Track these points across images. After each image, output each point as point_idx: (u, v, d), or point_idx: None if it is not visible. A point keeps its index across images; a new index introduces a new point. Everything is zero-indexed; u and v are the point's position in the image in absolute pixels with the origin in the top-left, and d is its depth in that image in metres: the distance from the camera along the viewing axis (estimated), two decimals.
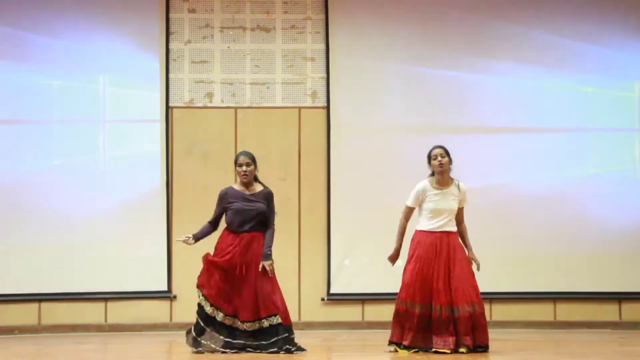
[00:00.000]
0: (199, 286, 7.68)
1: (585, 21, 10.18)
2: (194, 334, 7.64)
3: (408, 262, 7.74)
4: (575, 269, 9.98)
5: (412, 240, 7.78)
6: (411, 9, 10.14)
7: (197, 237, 7.81)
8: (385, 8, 10.11)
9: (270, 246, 7.73)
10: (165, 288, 9.90)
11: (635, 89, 10.22)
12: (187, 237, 7.78)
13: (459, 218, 7.80)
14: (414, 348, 7.63)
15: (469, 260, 7.75)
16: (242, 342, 7.60)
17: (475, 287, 7.67)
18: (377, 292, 9.79)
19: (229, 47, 10.12)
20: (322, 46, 10.10)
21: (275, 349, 7.57)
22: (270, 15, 10.12)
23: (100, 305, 9.88)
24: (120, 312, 9.87)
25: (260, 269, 7.65)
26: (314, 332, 9.61)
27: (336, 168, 9.99)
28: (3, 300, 9.76)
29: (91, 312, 9.85)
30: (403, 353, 7.61)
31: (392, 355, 7.66)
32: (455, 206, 7.74)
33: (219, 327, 7.63)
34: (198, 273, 7.80)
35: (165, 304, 9.88)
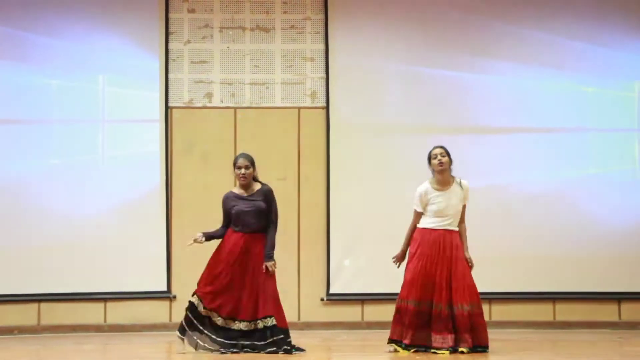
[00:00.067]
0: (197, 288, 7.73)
1: (585, 21, 10.18)
2: (185, 325, 7.67)
3: (410, 259, 7.74)
4: (575, 269, 9.98)
5: (414, 237, 7.78)
6: (411, 9, 10.14)
7: (208, 236, 7.82)
8: (384, 8, 10.11)
9: (272, 246, 7.75)
10: (164, 288, 9.90)
11: (635, 89, 10.21)
12: (198, 235, 7.76)
13: (461, 216, 7.80)
14: (413, 347, 7.63)
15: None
16: (236, 342, 7.60)
17: (474, 287, 7.67)
18: (377, 292, 9.79)
19: (228, 47, 10.12)
20: (322, 46, 10.09)
21: (274, 349, 7.57)
22: (269, 15, 10.12)
23: (99, 306, 9.88)
24: (119, 312, 9.87)
25: (263, 270, 7.66)
26: (314, 333, 9.61)
27: (335, 168, 9.99)
28: (2, 300, 9.76)
29: (91, 313, 9.85)
30: (403, 353, 7.61)
31: (392, 355, 7.66)
32: (459, 205, 7.73)
33: (213, 327, 7.64)
34: (198, 273, 7.81)
35: (164, 304, 9.88)
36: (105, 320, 9.88)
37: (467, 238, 7.84)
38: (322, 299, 9.97)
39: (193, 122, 10.04)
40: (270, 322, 7.62)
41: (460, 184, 7.77)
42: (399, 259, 7.89)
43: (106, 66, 9.99)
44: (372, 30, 10.08)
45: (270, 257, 7.71)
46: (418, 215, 7.82)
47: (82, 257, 9.78)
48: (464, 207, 7.81)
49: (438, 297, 7.59)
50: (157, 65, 10.01)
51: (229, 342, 7.64)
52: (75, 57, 9.97)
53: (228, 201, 7.82)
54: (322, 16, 10.11)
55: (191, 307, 7.72)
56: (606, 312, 10.01)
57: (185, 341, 7.72)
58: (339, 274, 9.95)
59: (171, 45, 10.06)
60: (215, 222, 7.93)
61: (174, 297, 9.82)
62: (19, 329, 9.75)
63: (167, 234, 9.90)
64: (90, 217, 9.83)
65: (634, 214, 10.08)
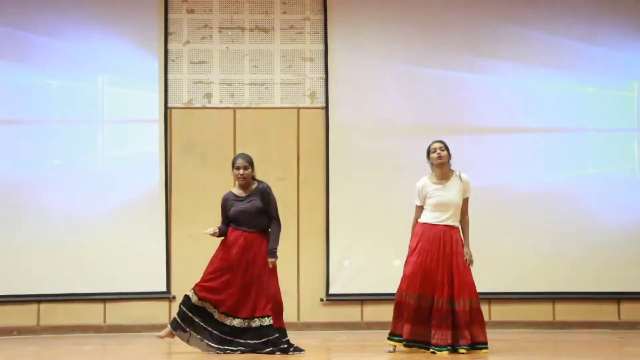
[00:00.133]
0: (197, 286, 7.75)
1: (584, 21, 10.17)
2: (178, 319, 7.68)
3: (410, 254, 7.75)
4: (574, 269, 9.98)
5: (415, 232, 7.79)
6: (410, 9, 10.13)
7: (221, 231, 7.81)
8: (384, 8, 10.10)
9: (275, 242, 7.75)
10: (164, 289, 9.90)
11: (635, 89, 10.21)
12: (214, 230, 7.78)
13: (463, 210, 7.81)
14: (413, 342, 7.63)
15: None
16: (231, 339, 7.61)
17: (472, 283, 7.67)
18: (376, 292, 9.79)
19: (227, 47, 10.12)
20: (321, 46, 10.09)
21: (271, 349, 7.57)
22: (268, 15, 10.12)
23: (99, 306, 9.88)
24: (119, 312, 9.87)
25: (269, 266, 7.69)
26: (313, 333, 9.62)
27: (335, 168, 9.98)
28: (2, 301, 9.76)
29: (90, 313, 9.85)
30: (404, 349, 7.62)
31: (392, 355, 7.66)
32: (458, 198, 7.73)
33: (209, 319, 7.64)
34: (197, 273, 7.82)
35: (164, 304, 9.88)
36: (104, 321, 9.89)
37: (469, 234, 7.85)
38: (321, 300, 9.97)
39: (192, 123, 10.04)
40: (267, 321, 7.62)
41: (460, 177, 7.78)
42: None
43: (106, 66, 10.00)
44: (372, 30, 10.08)
45: (273, 254, 7.72)
46: (419, 209, 7.84)
47: (82, 258, 9.78)
48: (466, 200, 7.80)
49: (439, 293, 7.59)
50: (157, 65, 10.01)
51: (223, 336, 7.63)
52: (74, 57, 9.98)
53: (227, 202, 7.84)
54: (321, 16, 10.11)
55: (185, 299, 7.72)
56: (606, 312, 10.01)
57: (177, 335, 7.72)
58: (338, 274, 9.95)
59: (170, 46, 10.07)
60: (215, 222, 7.94)
61: (174, 297, 9.82)
62: (19, 330, 9.75)
63: (166, 235, 9.91)
64: (89, 218, 9.83)
65: (633, 213, 10.07)
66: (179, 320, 7.72)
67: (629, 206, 10.08)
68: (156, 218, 9.90)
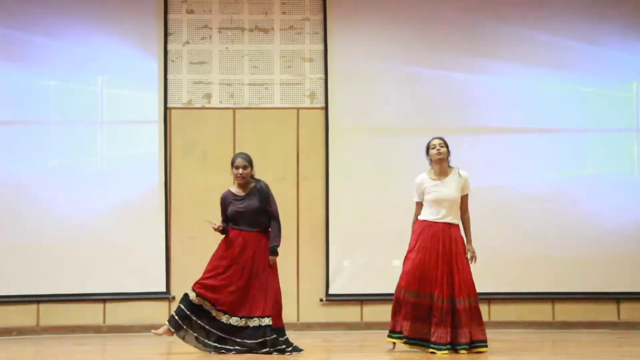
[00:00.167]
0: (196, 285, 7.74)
1: (583, 22, 10.18)
2: (176, 317, 7.66)
3: (410, 251, 7.76)
4: (574, 269, 9.98)
5: (414, 230, 7.80)
6: (410, 10, 10.14)
7: (224, 229, 7.80)
8: (383, 9, 10.11)
9: (276, 239, 7.74)
10: (163, 289, 9.90)
11: (634, 89, 10.22)
12: (217, 225, 7.77)
13: (463, 207, 7.82)
14: (413, 339, 7.62)
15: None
16: (227, 338, 7.60)
17: (472, 281, 7.68)
18: (376, 292, 9.79)
19: (227, 47, 10.12)
20: (321, 47, 10.09)
21: (268, 349, 7.56)
22: (268, 16, 10.12)
23: (98, 307, 9.87)
24: (118, 313, 9.86)
25: (270, 264, 7.70)
26: (313, 333, 9.61)
27: (335, 169, 9.99)
28: (2, 301, 9.75)
29: (90, 314, 9.84)
30: (404, 345, 7.62)
31: (391, 356, 7.66)
32: (456, 194, 7.74)
33: (206, 317, 7.64)
34: (197, 274, 7.81)
35: (163, 305, 9.87)
36: (104, 321, 9.88)
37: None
38: (321, 300, 9.96)
39: (192, 123, 10.04)
40: (266, 321, 7.62)
41: (459, 174, 7.79)
42: None
43: (105, 67, 9.99)
44: (371, 30, 10.09)
45: (274, 251, 7.72)
46: (418, 206, 7.87)
47: (81, 258, 9.77)
48: (465, 197, 7.82)
49: (439, 291, 7.60)
50: (156, 66, 10.01)
51: (220, 334, 7.62)
52: (74, 58, 9.97)
53: (226, 201, 7.85)
54: (320, 17, 10.11)
55: (184, 297, 7.72)
56: (605, 312, 10.01)
57: (174, 332, 7.71)
58: (338, 274, 9.95)
59: (170, 46, 10.06)
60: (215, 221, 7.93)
61: (173, 298, 9.82)
62: (18, 330, 9.74)
63: (166, 235, 9.90)
64: (89, 218, 9.82)
65: (633, 213, 10.08)
66: (176, 317, 7.71)
67: (628, 206, 10.08)
68: (156, 218, 9.90)
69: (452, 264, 7.66)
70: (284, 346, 7.64)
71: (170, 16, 10.08)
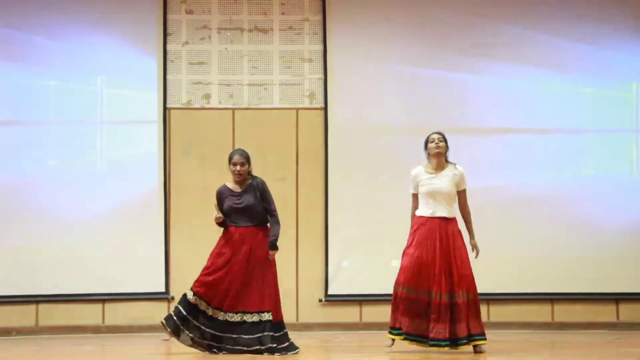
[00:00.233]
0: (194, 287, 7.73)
1: (583, 22, 10.18)
2: (175, 319, 7.65)
3: (408, 247, 7.77)
4: (573, 269, 9.98)
5: (412, 225, 7.82)
6: (409, 10, 10.14)
7: (223, 223, 7.80)
8: (382, 9, 10.11)
9: (274, 235, 7.74)
10: (162, 289, 9.90)
11: (633, 90, 10.22)
12: (220, 215, 7.77)
13: (461, 202, 7.84)
14: (412, 335, 7.62)
15: (466, 248, 7.75)
16: (222, 335, 7.60)
17: (471, 276, 7.68)
18: (375, 293, 9.78)
19: (226, 48, 10.12)
20: (320, 47, 10.10)
21: (257, 347, 7.53)
22: (267, 16, 10.12)
23: (97, 307, 9.87)
24: (117, 313, 9.86)
25: (269, 258, 7.70)
26: (312, 334, 9.61)
27: (334, 169, 9.99)
28: (1, 301, 9.75)
29: (89, 314, 9.84)
30: (404, 341, 7.62)
31: (390, 355, 7.66)
32: (449, 188, 7.74)
33: (202, 315, 7.64)
34: (196, 274, 7.81)
35: (162, 305, 9.86)
36: (103, 322, 9.88)
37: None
38: (320, 300, 9.97)
39: (191, 123, 10.04)
40: (266, 316, 7.61)
41: (455, 169, 7.80)
42: None
43: (104, 67, 9.99)
44: (371, 31, 10.08)
45: (274, 246, 7.72)
46: (414, 197, 7.89)
47: (80, 258, 9.77)
48: (463, 192, 7.82)
49: (437, 286, 7.60)
50: (155, 66, 10.01)
51: (215, 332, 7.61)
52: (73, 58, 9.97)
53: (222, 196, 7.84)
54: (320, 17, 10.11)
55: (182, 298, 7.71)
56: (604, 312, 10.01)
57: (170, 330, 7.71)
58: (337, 275, 9.95)
59: (169, 47, 10.06)
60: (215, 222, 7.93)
61: (172, 298, 9.82)
62: (17, 330, 9.75)
63: (165, 235, 9.90)
64: (88, 218, 9.82)
65: (632, 214, 10.08)
66: (173, 316, 7.69)
67: (627, 207, 10.08)
68: (155, 219, 9.90)
69: (451, 258, 7.66)
70: (275, 344, 7.57)
71: (170, 16, 10.08)
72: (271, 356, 7.53)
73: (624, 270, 9.99)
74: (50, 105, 9.98)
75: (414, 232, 7.76)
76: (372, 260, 9.84)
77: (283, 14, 10.13)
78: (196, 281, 7.73)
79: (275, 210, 7.82)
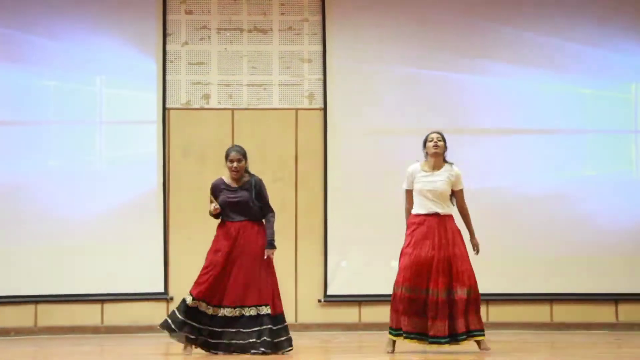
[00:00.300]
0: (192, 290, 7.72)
1: (582, 23, 10.19)
2: (169, 320, 7.63)
3: (406, 246, 7.75)
4: (572, 270, 9.98)
5: (409, 224, 7.80)
6: (408, 11, 10.14)
7: (219, 212, 7.79)
8: (382, 10, 10.11)
9: (271, 234, 7.73)
10: (162, 290, 9.90)
11: (632, 91, 10.22)
12: (217, 207, 7.76)
13: (459, 202, 7.82)
14: (412, 334, 7.60)
15: (465, 245, 7.75)
16: (222, 331, 7.58)
17: (471, 271, 7.67)
18: (374, 293, 9.78)
19: (226, 48, 10.12)
20: (319, 48, 10.10)
21: (252, 340, 7.50)
22: (267, 16, 10.12)
23: (96, 307, 9.87)
24: (116, 313, 9.87)
25: (264, 257, 7.69)
26: (311, 334, 9.61)
27: (333, 169, 9.99)
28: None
29: (87, 314, 9.84)
30: (404, 340, 7.62)
31: (390, 356, 7.65)
32: (443, 187, 7.71)
33: (202, 316, 7.62)
34: (195, 274, 7.79)
35: (162, 305, 9.86)
36: (102, 322, 9.88)
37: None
38: (319, 301, 9.96)
39: (191, 124, 10.04)
40: (265, 310, 7.59)
41: (451, 169, 7.80)
42: None
43: (104, 67, 10.00)
44: (370, 31, 10.09)
45: (271, 245, 7.71)
46: (407, 194, 7.86)
47: (80, 259, 9.78)
48: (460, 192, 7.80)
49: (434, 284, 7.58)
50: (155, 66, 10.01)
51: (213, 329, 7.60)
52: (73, 58, 9.98)
53: (217, 189, 7.83)
54: (319, 18, 10.11)
55: (180, 303, 7.68)
56: (604, 313, 10.01)
57: (164, 328, 7.69)
58: (336, 275, 9.95)
59: (169, 47, 10.07)
60: (214, 223, 7.92)
61: (171, 298, 9.82)
62: (16, 331, 9.75)
63: (164, 235, 9.90)
64: (87, 219, 9.82)
65: (631, 215, 10.08)
66: (169, 320, 7.66)
67: (626, 207, 10.08)
68: (154, 219, 9.90)
69: (450, 254, 7.65)
70: (269, 339, 7.53)
71: (169, 17, 10.08)
72: (265, 357, 7.50)
73: (623, 271, 9.99)
74: (50, 105, 9.99)
75: (411, 231, 7.75)
76: (371, 261, 9.84)
77: (282, 14, 10.13)
78: (195, 284, 7.70)
79: (272, 208, 7.79)
